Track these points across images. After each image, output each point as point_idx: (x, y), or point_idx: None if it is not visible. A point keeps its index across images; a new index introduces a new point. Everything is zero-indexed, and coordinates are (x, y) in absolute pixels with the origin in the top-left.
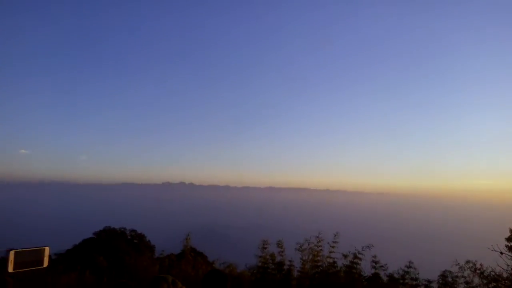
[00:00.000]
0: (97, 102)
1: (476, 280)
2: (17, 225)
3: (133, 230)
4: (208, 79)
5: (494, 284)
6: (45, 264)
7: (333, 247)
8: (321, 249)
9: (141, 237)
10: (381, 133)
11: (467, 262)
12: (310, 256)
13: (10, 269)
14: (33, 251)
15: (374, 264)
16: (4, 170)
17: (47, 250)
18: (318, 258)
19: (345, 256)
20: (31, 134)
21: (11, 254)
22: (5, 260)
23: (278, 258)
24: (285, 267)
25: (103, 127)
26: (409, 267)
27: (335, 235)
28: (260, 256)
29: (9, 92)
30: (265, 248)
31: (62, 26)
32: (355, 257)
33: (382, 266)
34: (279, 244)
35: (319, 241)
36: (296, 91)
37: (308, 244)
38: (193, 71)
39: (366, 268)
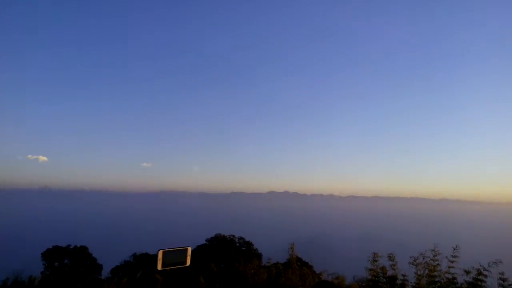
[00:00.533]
0: (203, 123)
1: None
2: (139, 229)
3: (241, 238)
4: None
5: None
6: (188, 263)
7: (452, 261)
8: (438, 264)
9: (249, 244)
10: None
11: None
12: (426, 271)
13: (159, 267)
14: (177, 251)
15: (501, 282)
16: (128, 182)
17: (189, 250)
18: (435, 273)
19: (467, 272)
20: (153, 149)
21: (160, 253)
22: (155, 259)
23: (389, 272)
24: (398, 281)
25: (211, 143)
26: None
27: (454, 249)
28: (371, 269)
29: (140, 111)
30: (376, 260)
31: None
32: (479, 273)
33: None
34: (391, 257)
35: (436, 254)
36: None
37: (423, 258)
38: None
39: (492, 287)
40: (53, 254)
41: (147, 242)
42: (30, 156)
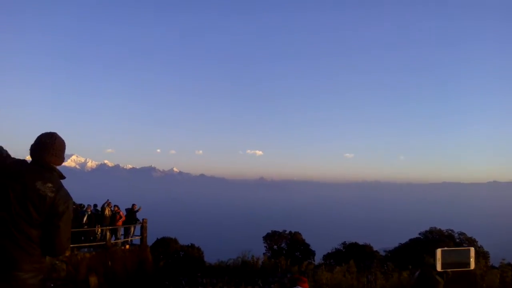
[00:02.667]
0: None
1: None
2: (346, 218)
3: (462, 233)
4: None
5: None
6: (472, 266)
7: None
8: None
9: (471, 241)
10: None
11: None
12: None
13: (439, 267)
14: (458, 251)
15: None
16: (332, 172)
17: (472, 252)
18: None
19: None
20: (353, 140)
21: (438, 253)
22: (433, 257)
23: None
24: None
25: (418, 129)
26: None
27: None
28: None
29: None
30: None
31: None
32: None
33: None
34: None
35: None
36: None
37: None
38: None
39: None
40: (272, 238)
41: (355, 231)
42: (249, 150)
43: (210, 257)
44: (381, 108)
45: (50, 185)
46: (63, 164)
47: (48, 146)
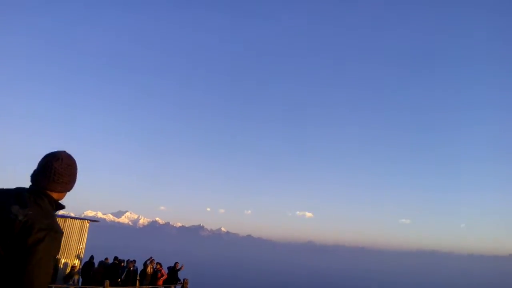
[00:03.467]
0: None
1: None
2: None
3: None
4: None
5: None
6: None
7: None
8: None
9: None
10: None
11: None
12: None
13: None
14: None
15: None
16: (386, 239)
17: None
18: None
19: None
20: (411, 205)
21: None
22: None
23: None
24: None
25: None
26: None
27: None
28: None
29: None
30: None
31: None
32: None
33: None
34: None
35: None
36: None
37: None
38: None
39: None
40: None
41: None
42: (298, 212)
43: None
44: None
45: (30, 212)
46: (118, 220)
47: (48, 169)
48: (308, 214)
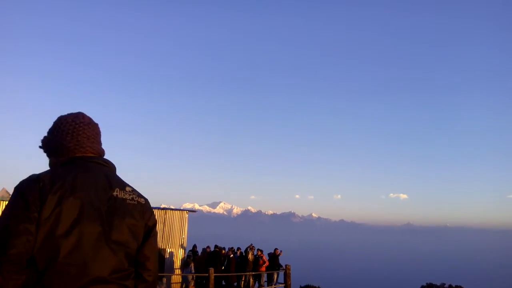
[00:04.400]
0: None
1: None
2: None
3: None
4: None
5: None
6: None
7: None
8: None
9: None
10: None
11: None
12: None
13: None
14: None
15: None
16: (492, 216)
17: None
18: None
19: None
20: None
21: None
22: None
23: None
24: None
25: None
26: None
27: None
28: None
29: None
30: None
31: None
32: None
33: None
34: None
35: None
36: None
37: None
38: None
39: None
40: None
41: None
42: (392, 194)
43: None
44: None
45: (133, 189)
46: (214, 211)
47: (98, 133)
48: (403, 196)
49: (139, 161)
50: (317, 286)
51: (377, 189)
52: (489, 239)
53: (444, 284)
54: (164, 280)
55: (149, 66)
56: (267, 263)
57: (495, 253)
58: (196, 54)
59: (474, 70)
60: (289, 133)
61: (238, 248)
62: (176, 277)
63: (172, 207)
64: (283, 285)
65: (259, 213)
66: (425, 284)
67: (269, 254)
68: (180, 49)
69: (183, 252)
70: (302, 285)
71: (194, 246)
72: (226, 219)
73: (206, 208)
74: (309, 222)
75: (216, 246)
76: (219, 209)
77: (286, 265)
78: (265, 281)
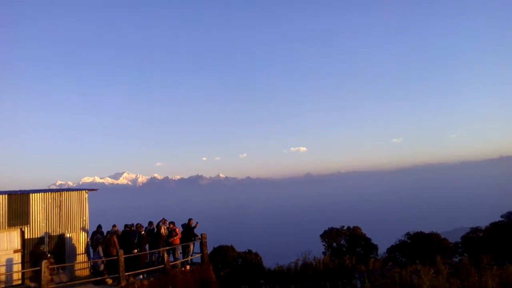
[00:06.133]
0: None
1: None
2: (402, 208)
3: None
4: None
5: None
6: None
7: None
8: None
9: None
10: None
11: None
12: None
13: None
14: None
15: None
16: (380, 160)
17: None
18: None
19: None
20: (402, 122)
21: None
22: None
23: None
24: None
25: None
26: None
27: None
28: None
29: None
30: None
31: None
32: None
33: None
34: None
35: None
36: None
37: None
38: None
39: None
40: (330, 235)
41: (416, 220)
42: (292, 148)
43: (269, 262)
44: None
45: None
46: (117, 182)
47: None
48: (302, 149)
49: (33, 136)
50: (229, 245)
51: (279, 145)
52: (379, 181)
53: (343, 226)
54: (62, 270)
55: None
56: (179, 235)
57: (386, 194)
58: None
59: None
60: (196, 95)
61: (150, 222)
62: (81, 264)
63: (70, 184)
64: (200, 255)
65: (166, 179)
66: (327, 229)
67: (183, 226)
68: None
69: (85, 235)
70: (215, 246)
71: (99, 227)
72: (131, 189)
73: (108, 181)
74: (216, 183)
75: (125, 226)
76: (122, 180)
77: (201, 234)
78: (180, 253)
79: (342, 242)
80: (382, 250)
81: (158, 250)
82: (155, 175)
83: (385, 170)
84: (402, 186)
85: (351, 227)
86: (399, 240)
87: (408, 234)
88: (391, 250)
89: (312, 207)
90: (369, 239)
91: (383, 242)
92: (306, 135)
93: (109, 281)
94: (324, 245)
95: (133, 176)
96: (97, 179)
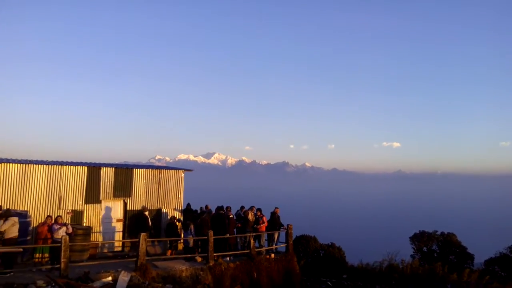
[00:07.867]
0: None
1: None
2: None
3: None
4: None
5: None
6: None
7: None
8: None
9: None
10: None
11: None
12: None
13: None
14: None
15: None
16: (484, 163)
17: None
18: None
19: None
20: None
21: None
22: None
23: None
24: None
25: None
26: None
27: None
28: None
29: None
30: None
31: None
32: None
33: None
34: None
35: None
36: None
37: None
38: None
39: None
40: (420, 239)
41: None
42: (385, 143)
43: (351, 258)
44: None
45: None
46: (209, 162)
47: None
48: (396, 144)
49: (141, 116)
50: (312, 236)
51: (370, 138)
52: (482, 186)
53: (437, 231)
54: (158, 243)
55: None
56: (266, 223)
57: (487, 201)
58: None
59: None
60: (285, 86)
61: (242, 207)
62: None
63: (168, 159)
64: (285, 244)
65: (253, 163)
66: (417, 232)
67: (270, 213)
68: None
69: (179, 213)
70: (298, 235)
71: (188, 205)
72: (221, 169)
73: (201, 159)
74: (302, 171)
75: (219, 208)
76: (213, 160)
77: (288, 225)
78: (265, 240)
79: (433, 247)
80: (477, 261)
81: (245, 235)
82: (244, 158)
83: (489, 175)
84: (510, 193)
85: (445, 233)
86: (500, 252)
87: (511, 247)
88: (490, 262)
89: (401, 206)
90: (464, 248)
91: (479, 253)
92: (401, 129)
93: (199, 259)
94: (413, 248)
95: (223, 157)
96: (191, 157)
